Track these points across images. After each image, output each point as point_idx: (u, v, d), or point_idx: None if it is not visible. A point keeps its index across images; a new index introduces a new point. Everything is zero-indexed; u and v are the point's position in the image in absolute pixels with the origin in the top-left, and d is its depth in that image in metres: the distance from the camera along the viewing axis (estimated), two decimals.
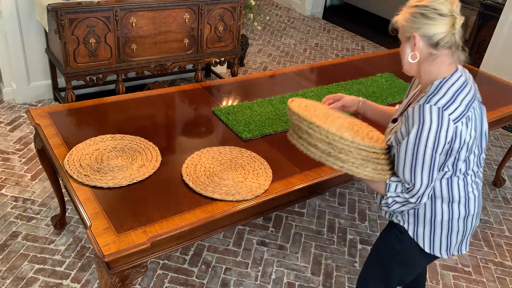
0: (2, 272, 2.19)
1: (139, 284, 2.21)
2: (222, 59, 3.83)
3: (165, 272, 2.29)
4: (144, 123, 2.21)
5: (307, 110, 1.47)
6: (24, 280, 2.16)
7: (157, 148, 1.99)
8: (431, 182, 1.39)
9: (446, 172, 1.44)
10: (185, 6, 3.39)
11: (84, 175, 1.76)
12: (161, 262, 2.34)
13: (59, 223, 2.45)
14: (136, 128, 2.16)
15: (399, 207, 1.46)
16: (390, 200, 1.45)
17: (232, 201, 1.73)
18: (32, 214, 2.55)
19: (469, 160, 1.45)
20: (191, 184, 1.78)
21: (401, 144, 1.39)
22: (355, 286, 2.03)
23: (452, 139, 1.35)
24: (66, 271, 2.24)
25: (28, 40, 3.45)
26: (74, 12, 2.94)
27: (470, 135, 1.39)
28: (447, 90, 1.37)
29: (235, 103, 2.50)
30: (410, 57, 1.42)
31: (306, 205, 2.88)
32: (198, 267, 2.35)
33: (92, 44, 3.10)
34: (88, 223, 1.54)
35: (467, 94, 1.39)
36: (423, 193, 1.40)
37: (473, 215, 1.53)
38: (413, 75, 1.51)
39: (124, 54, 3.28)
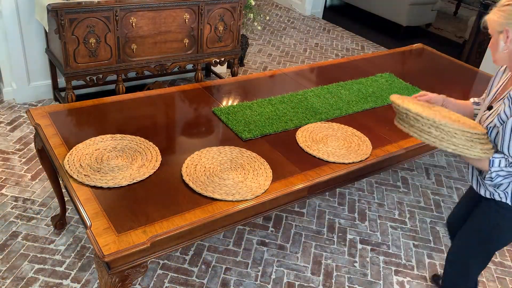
0: (2, 272, 2.19)
1: (139, 284, 2.22)
2: (222, 59, 3.83)
3: (165, 272, 2.30)
4: (144, 123, 2.21)
5: (412, 104, 1.70)
6: (24, 280, 2.16)
7: (157, 148, 1.99)
8: None
9: None
10: (185, 6, 3.39)
11: (84, 175, 1.76)
12: (161, 262, 2.35)
13: (59, 223, 2.45)
14: (136, 128, 2.16)
15: (501, 180, 1.65)
16: (493, 175, 1.63)
17: (232, 201, 1.73)
18: (32, 214, 2.55)
19: None
20: (191, 184, 1.78)
21: (506, 123, 1.58)
22: (444, 271, 2.09)
23: None
24: (66, 271, 2.24)
25: (28, 40, 3.45)
26: (74, 12, 2.94)
27: None
28: None
29: (235, 103, 2.50)
30: (502, 48, 1.61)
31: (306, 205, 2.88)
32: (198, 267, 2.35)
33: (92, 44, 3.10)
34: (88, 223, 1.54)
35: None
36: None
37: None
38: (503, 64, 1.72)
39: (124, 54, 3.28)
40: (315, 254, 2.52)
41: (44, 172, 2.83)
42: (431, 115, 1.57)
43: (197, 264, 2.36)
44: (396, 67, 3.32)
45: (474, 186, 1.82)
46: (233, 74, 3.98)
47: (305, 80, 2.91)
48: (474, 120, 1.85)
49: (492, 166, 1.61)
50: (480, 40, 5.01)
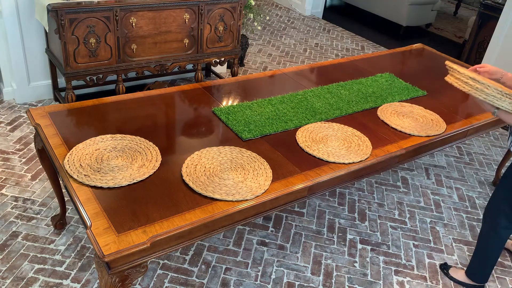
0: (2, 272, 2.19)
1: (139, 284, 2.22)
2: (222, 59, 3.83)
3: (165, 272, 2.30)
4: (144, 123, 2.21)
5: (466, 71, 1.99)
6: (24, 280, 2.16)
7: (157, 148, 1.99)
8: None
9: None
10: (185, 6, 3.39)
11: (84, 175, 1.76)
12: (161, 262, 2.35)
13: (59, 223, 2.45)
14: (136, 128, 2.16)
15: None
16: None
17: (232, 201, 1.73)
18: (32, 214, 2.55)
19: None
20: (191, 184, 1.78)
21: None
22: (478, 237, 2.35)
23: None
24: (66, 271, 2.24)
25: (28, 40, 3.45)
26: (74, 12, 2.94)
27: None
28: None
29: (235, 103, 2.51)
30: None
31: (306, 205, 2.88)
32: (198, 267, 2.35)
33: (92, 44, 3.10)
34: (88, 223, 1.54)
35: None
36: None
37: None
38: None
39: (124, 54, 3.28)
40: (315, 254, 2.52)
41: (44, 172, 2.83)
42: (475, 76, 1.92)
43: (197, 264, 2.36)
44: (396, 67, 3.32)
45: (508, 144, 2.20)
46: (233, 74, 3.98)
47: (305, 80, 2.91)
48: None
49: None
50: (480, 40, 5.01)
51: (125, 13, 3.16)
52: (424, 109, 2.66)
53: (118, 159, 1.89)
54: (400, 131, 2.40)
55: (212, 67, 4.42)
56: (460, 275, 2.42)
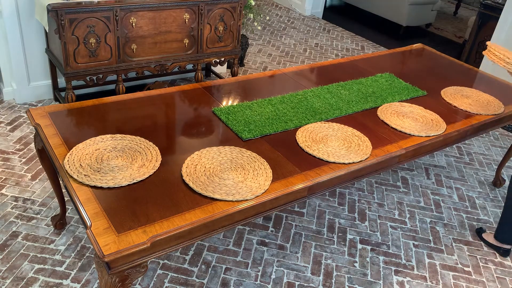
0: (2, 272, 2.19)
1: (139, 284, 2.22)
2: (222, 59, 3.83)
3: (165, 272, 2.30)
4: (144, 123, 2.21)
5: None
6: (24, 280, 2.16)
7: (157, 148, 1.99)
8: None
9: None
10: (185, 6, 3.39)
11: (84, 175, 1.76)
12: (161, 262, 2.35)
13: (59, 223, 2.45)
14: (136, 128, 2.16)
15: None
16: None
17: (232, 201, 1.73)
18: (32, 214, 2.55)
19: None
20: (191, 184, 1.78)
21: None
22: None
23: None
24: (66, 271, 2.24)
25: (28, 40, 3.45)
26: (74, 12, 2.94)
27: None
28: None
29: (235, 103, 2.51)
30: None
31: (306, 205, 2.88)
32: (198, 267, 2.35)
33: (92, 44, 3.10)
34: (88, 223, 1.54)
35: None
36: None
37: None
38: None
39: (124, 54, 3.28)
40: (315, 254, 2.52)
41: (44, 172, 2.83)
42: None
43: (197, 264, 2.36)
44: (396, 67, 3.32)
45: None
46: (233, 74, 3.98)
47: (305, 80, 2.91)
48: None
49: None
50: (480, 40, 5.01)
51: (125, 13, 3.16)
52: (424, 109, 2.66)
53: (118, 159, 1.89)
54: (400, 131, 2.40)
55: (212, 67, 4.42)
56: (491, 239, 2.72)
